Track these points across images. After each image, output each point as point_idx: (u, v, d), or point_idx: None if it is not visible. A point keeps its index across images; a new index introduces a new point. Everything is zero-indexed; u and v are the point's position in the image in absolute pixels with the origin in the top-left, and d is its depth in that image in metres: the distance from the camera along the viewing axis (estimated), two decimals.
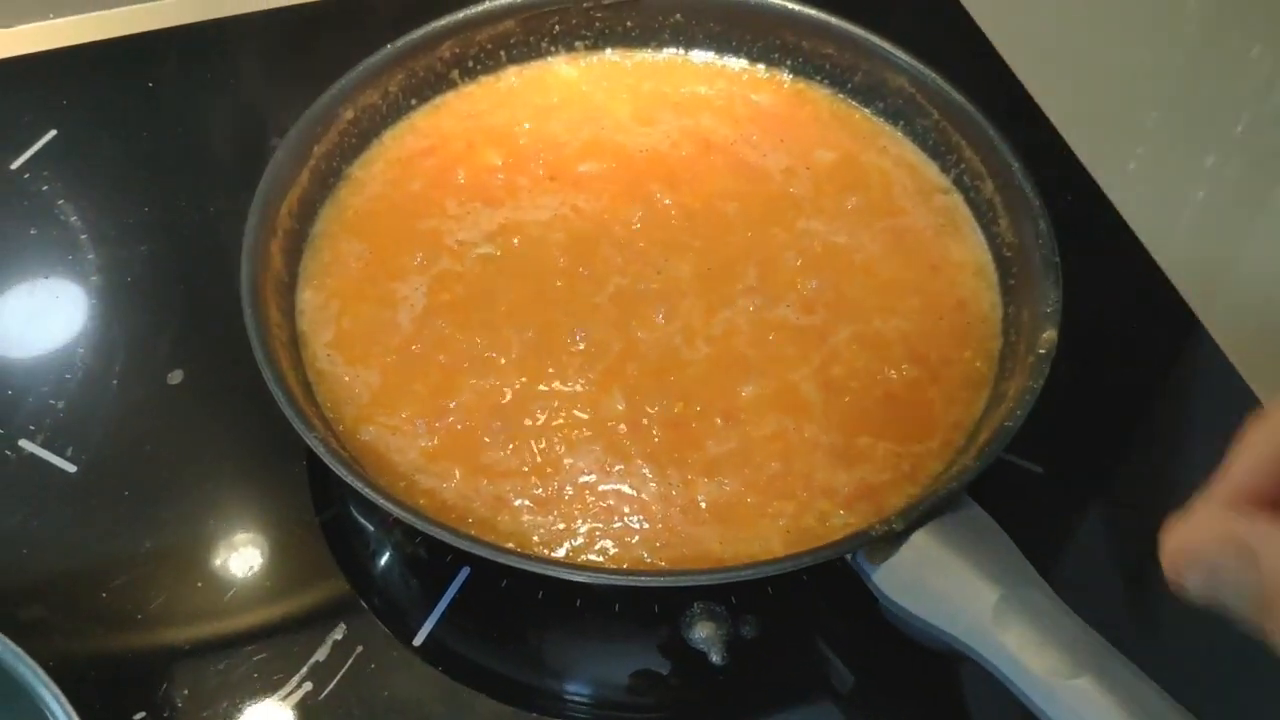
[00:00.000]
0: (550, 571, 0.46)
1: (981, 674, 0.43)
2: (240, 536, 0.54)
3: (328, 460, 0.47)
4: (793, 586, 0.52)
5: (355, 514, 0.54)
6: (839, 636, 0.52)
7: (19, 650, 0.42)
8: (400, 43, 0.61)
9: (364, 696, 0.49)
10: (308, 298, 0.56)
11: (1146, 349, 0.62)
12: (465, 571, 0.52)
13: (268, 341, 0.51)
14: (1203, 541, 0.31)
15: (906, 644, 0.49)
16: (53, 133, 0.68)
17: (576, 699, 0.51)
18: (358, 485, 0.46)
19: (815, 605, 0.52)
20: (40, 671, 0.42)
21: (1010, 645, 0.42)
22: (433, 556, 0.53)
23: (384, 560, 0.54)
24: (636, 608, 0.52)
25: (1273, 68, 0.72)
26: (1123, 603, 0.52)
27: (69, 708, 0.41)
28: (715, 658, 0.50)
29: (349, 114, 0.60)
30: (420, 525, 0.45)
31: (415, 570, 0.53)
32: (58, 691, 0.42)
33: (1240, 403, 0.58)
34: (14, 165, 0.67)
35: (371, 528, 0.54)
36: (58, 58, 0.73)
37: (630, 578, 0.47)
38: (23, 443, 0.56)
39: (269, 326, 0.52)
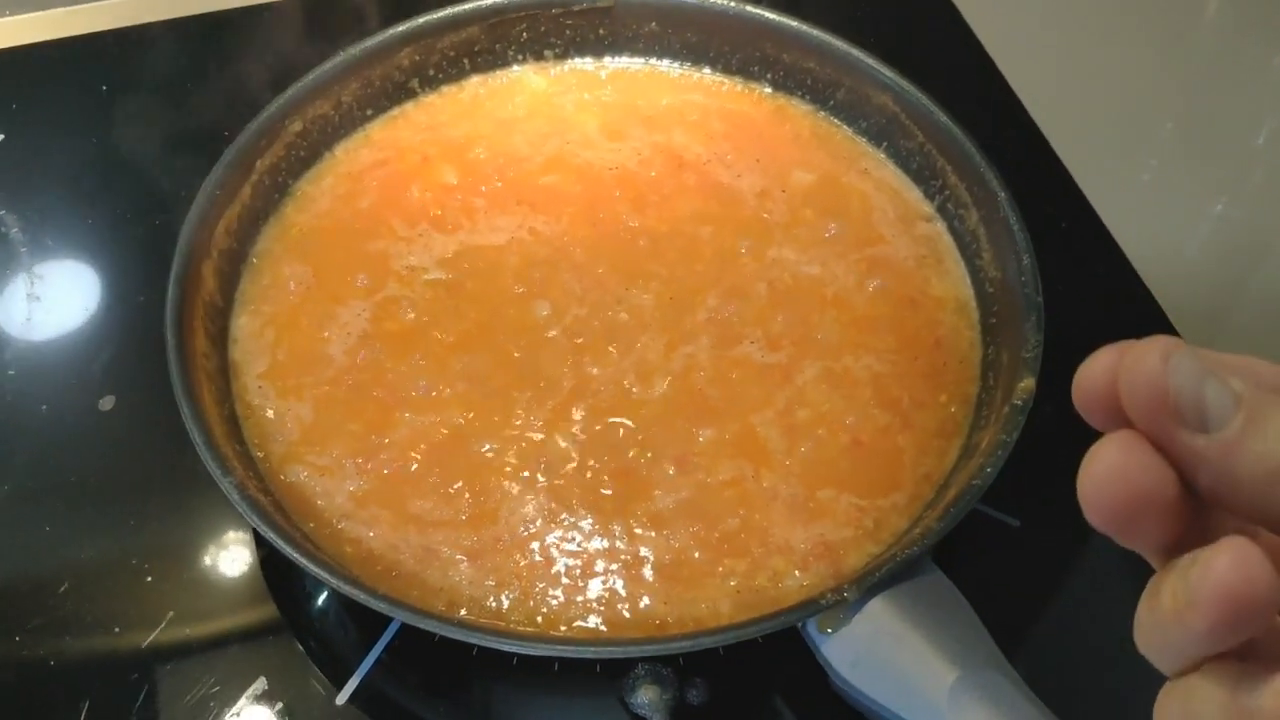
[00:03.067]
0: (472, 639, 0.43)
1: None
2: (150, 584, 0.51)
3: (241, 509, 0.44)
4: (743, 649, 0.48)
5: (256, 579, 0.51)
6: (793, 703, 0.48)
7: None
8: (355, 49, 0.58)
9: None
10: (243, 324, 0.53)
11: None
12: (395, 625, 0.49)
13: (190, 373, 0.48)
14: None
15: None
16: (0, 136, 0.65)
17: None
18: (270, 536, 0.43)
19: (767, 669, 0.49)
20: None
21: None
22: (352, 621, 0.50)
23: (320, 601, 0.51)
24: (577, 669, 0.48)
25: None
26: (1100, 663, 0.48)
27: None
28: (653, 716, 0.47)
29: (296, 126, 0.57)
30: (334, 583, 0.42)
31: (350, 614, 0.50)
32: None
33: None
34: None
35: (272, 592, 0.51)
36: (6, 58, 0.69)
37: (559, 647, 0.44)
38: None
39: (194, 356, 0.49)
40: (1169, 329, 0.58)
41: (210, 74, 0.70)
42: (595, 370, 0.52)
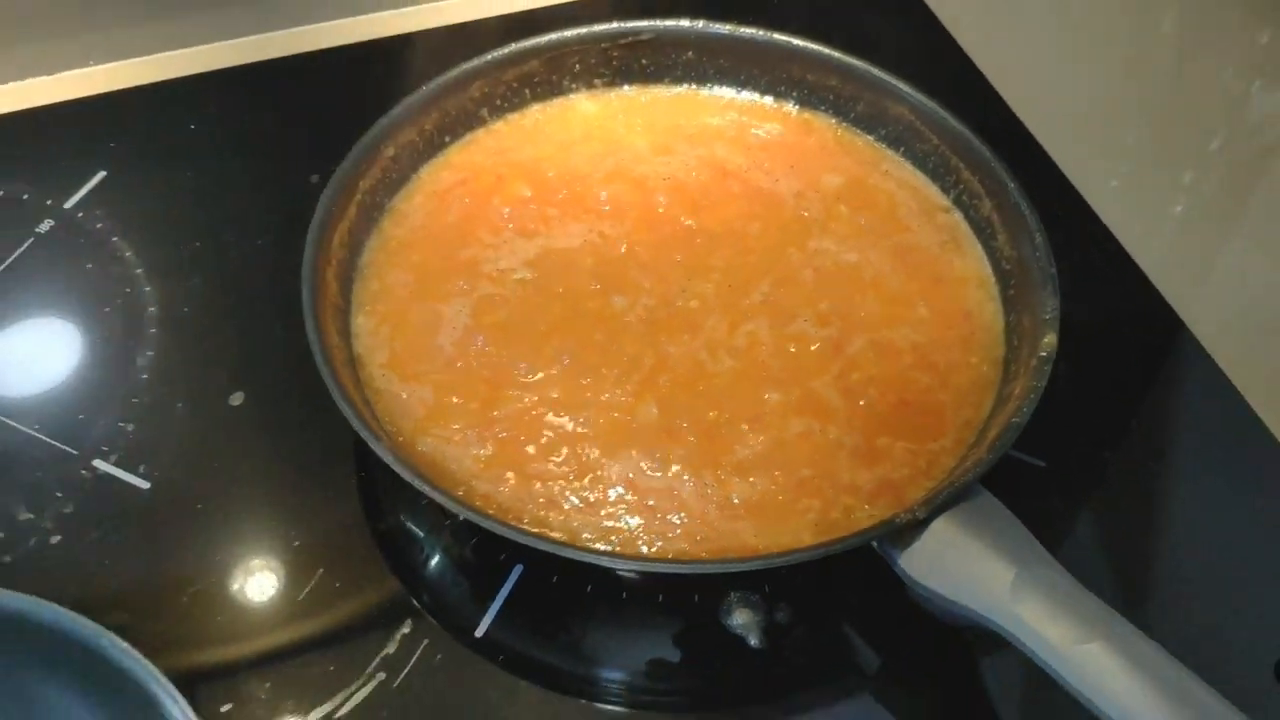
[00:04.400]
0: (603, 562, 0.51)
1: (998, 652, 0.48)
2: (304, 544, 0.58)
3: (397, 468, 0.51)
4: (822, 576, 0.56)
5: (408, 522, 0.59)
6: (866, 622, 0.56)
7: (128, 646, 0.47)
8: (434, 84, 0.66)
9: (432, 686, 0.53)
10: (361, 322, 0.60)
11: (1135, 350, 0.67)
12: (518, 570, 0.57)
13: (330, 361, 0.55)
14: None
15: (928, 627, 0.53)
16: (102, 173, 0.73)
17: (623, 684, 0.55)
18: (426, 489, 0.50)
19: (843, 592, 0.56)
20: (150, 666, 0.46)
21: (1027, 617, 0.46)
22: (483, 558, 0.57)
23: (437, 563, 0.58)
24: (678, 598, 0.56)
25: (1243, 89, 0.77)
26: (1119, 583, 0.56)
27: (178, 696, 0.45)
28: (753, 641, 0.54)
29: (390, 151, 0.64)
30: (490, 525, 0.50)
31: (467, 571, 0.57)
32: (168, 683, 0.46)
33: (1221, 395, 0.64)
34: (67, 205, 0.71)
35: (423, 534, 0.58)
36: (101, 102, 0.77)
37: (675, 566, 0.51)
38: (97, 462, 0.60)
39: (330, 348, 0.56)
40: (1154, 293, 0.67)
41: (289, 112, 0.77)
42: (671, 349, 0.59)
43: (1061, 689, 0.45)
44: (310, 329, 0.55)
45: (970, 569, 0.48)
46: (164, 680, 0.46)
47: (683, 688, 0.55)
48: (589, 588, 0.56)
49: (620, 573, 0.55)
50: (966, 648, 0.55)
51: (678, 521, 0.54)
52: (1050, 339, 0.55)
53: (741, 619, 0.55)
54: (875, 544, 0.51)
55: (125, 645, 0.46)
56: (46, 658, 0.47)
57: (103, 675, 0.46)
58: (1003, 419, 0.54)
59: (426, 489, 0.50)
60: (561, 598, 0.56)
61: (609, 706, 0.54)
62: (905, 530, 0.50)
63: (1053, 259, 0.58)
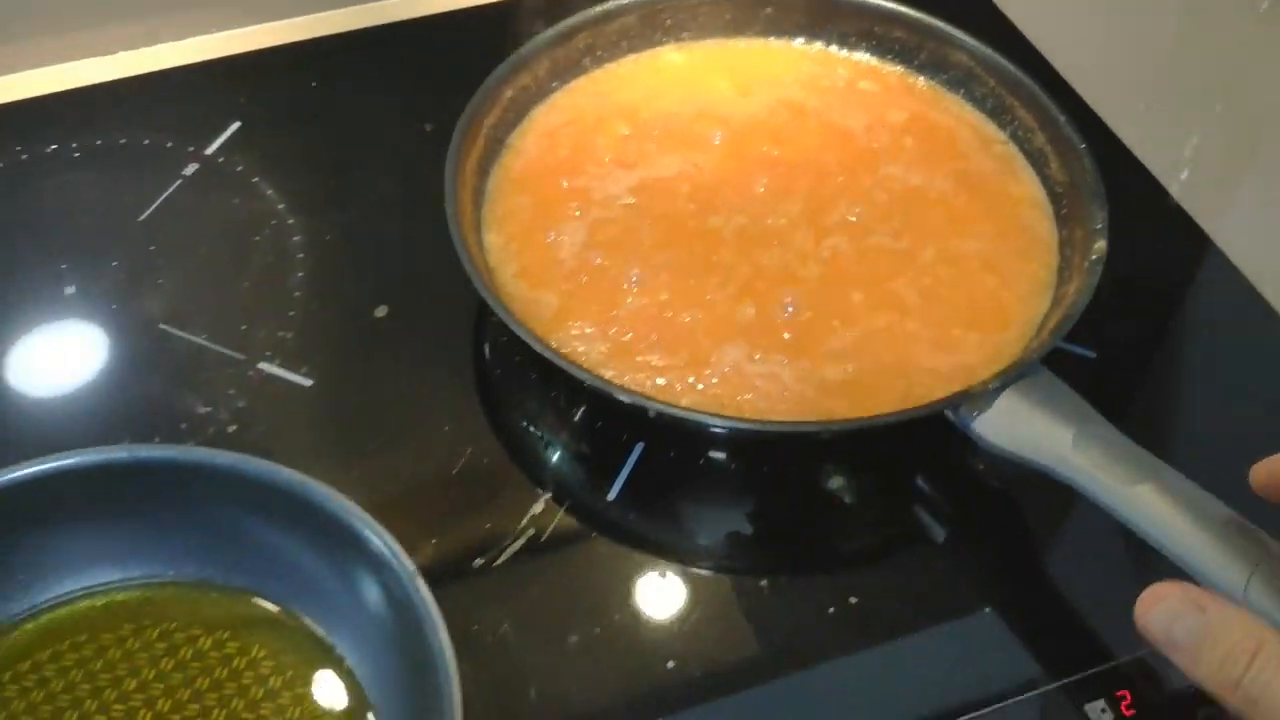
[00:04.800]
0: (726, 424, 0.59)
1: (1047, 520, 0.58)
2: (453, 429, 0.65)
3: (547, 355, 0.59)
4: (900, 451, 0.64)
5: (542, 409, 0.67)
6: (934, 482, 0.64)
7: (331, 490, 0.54)
8: (545, 34, 0.74)
9: (572, 541, 0.62)
10: (491, 239, 0.68)
11: (1167, 265, 0.75)
12: (639, 447, 0.65)
13: (476, 264, 0.63)
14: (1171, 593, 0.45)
15: (990, 499, 0.62)
16: (236, 124, 0.80)
17: (725, 541, 0.63)
18: (563, 364, 0.58)
19: (915, 459, 0.65)
20: (353, 505, 0.54)
21: (1087, 466, 0.54)
22: (610, 438, 0.65)
23: (570, 444, 0.66)
24: (779, 467, 0.64)
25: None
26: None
27: (382, 530, 0.53)
28: (847, 498, 0.63)
29: (508, 93, 0.72)
30: (625, 396, 0.58)
31: (597, 448, 0.65)
32: (371, 519, 0.53)
33: (1246, 302, 0.72)
34: (209, 151, 0.79)
35: (555, 419, 0.66)
36: (232, 63, 0.85)
37: (782, 426, 0.60)
38: (262, 364, 0.68)
39: (471, 249, 0.63)
40: (1183, 215, 0.76)
41: (404, 71, 0.85)
42: (764, 261, 0.67)
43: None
44: (457, 242, 0.63)
45: (1036, 430, 0.56)
46: (367, 517, 0.53)
47: (775, 549, 0.63)
48: (700, 461, 0.64)
49: (733, 433, 0.62)
50: (1019, 517, 0.64)
51: (780, 399, 0.62)
52: (1100, 245, 0.63)
53: (838, 483, 0.63)
54: (950, 412, 0.58)
55: (329, 489, 0.54)
56: (259, 504, 0.54)
57: (310, 514, 0.53)
58: (1060, 312, 0.62)
59: (563, 364, 0.59)
60: (676, 470, 0.64)
61: (716, 548, 0.62)
62: (978, 399, 0.58)
63: (1101, 180, 0.66)
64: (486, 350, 0.69)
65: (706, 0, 0.77)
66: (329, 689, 0.53)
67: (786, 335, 0.64)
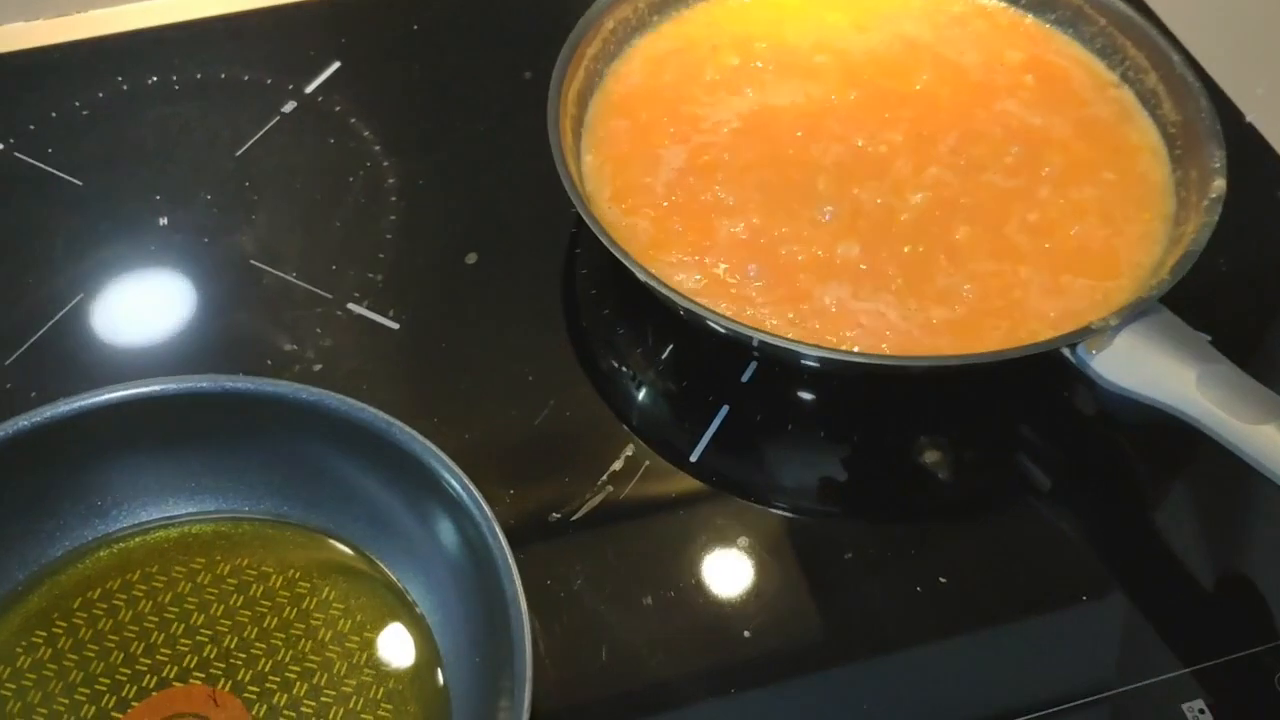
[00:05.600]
0: (831, 356, 0.55)
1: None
2: (536, 380, 0.62)
3: (644, 276, 0.56)
4: (1008, 396, 0.61)
5: (626, 361, 0.64)
6: (1038, 428, 0.61)
7: (413, 432, 0.52)
8: None
9: (651, 499, 0.59)
10: (588, 161, 0.64)
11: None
12: (724, 410, 0.61)
13: (577, 187, 0.59)
14: None
15: (1093, 452, 0.58)
16: (337, 64, 0.78)
17: (816, 512, 0.60)
18: (675, 297, 0.55)
19: (1021, 403, 0.61)
20: (432, 446, 0.51)
21: (1212, 405, 0.50)
22: (696, 398, 0.62)
23: (655, 400, 0.62)
24: (871, 434, 0.61)
25: None
26: None
27: (458, 471, 0.51)
28: (942, 474, 0.59)
29: (609, 24, 0.68)
30: (728, 324, 0.55)
31: (681, 408, 0.62)
32: (449, 461, 0.51)
33: None
34: (308, 90, 0.77)
35: (642, 373, 0.63)
36: (332, 3, 0.82)
37: (887, 359, 0.56)
38: (351, 305, 0.65)
39: (575, 180, 0.60)
40: None
41: (502, 17, 0.82)
42: (871, 194, 0.63)
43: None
44: (560, 166, 0.59)
45: (1158, 368, 0.52)
46: (448, 460, 0.51)
47: (863, 520, 0.59)
48: (788, 425, 0.61)
49: (838, 367, 0.58)
50: (1133, 465, 0.60)
51: (886, 336, 0.58)
52: (1219, 183, 0.58)
53: (931, 455, 0.59)
54: (1069, 352, 0.54)
55: (411, 431, 0.51)
56: (341, 442, 0.52)
57: (390, 456, 0.51)
58: (1178, 251, 0.57)
59: (665, 290, 0.55)
60: (762, 434, 0.60)
61: (799, 515, 0.59)
62: (1099, 336, 0.54)
63: (1217, 117, 0.61)
64: (576, 298, 0.65)
65: None
66: (398, 637, 0.51)
67: (891, 273, 0.60)
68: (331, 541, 0.53)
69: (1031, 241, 0.61)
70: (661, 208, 0.62)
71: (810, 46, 0.70)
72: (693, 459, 0.59)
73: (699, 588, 0.55)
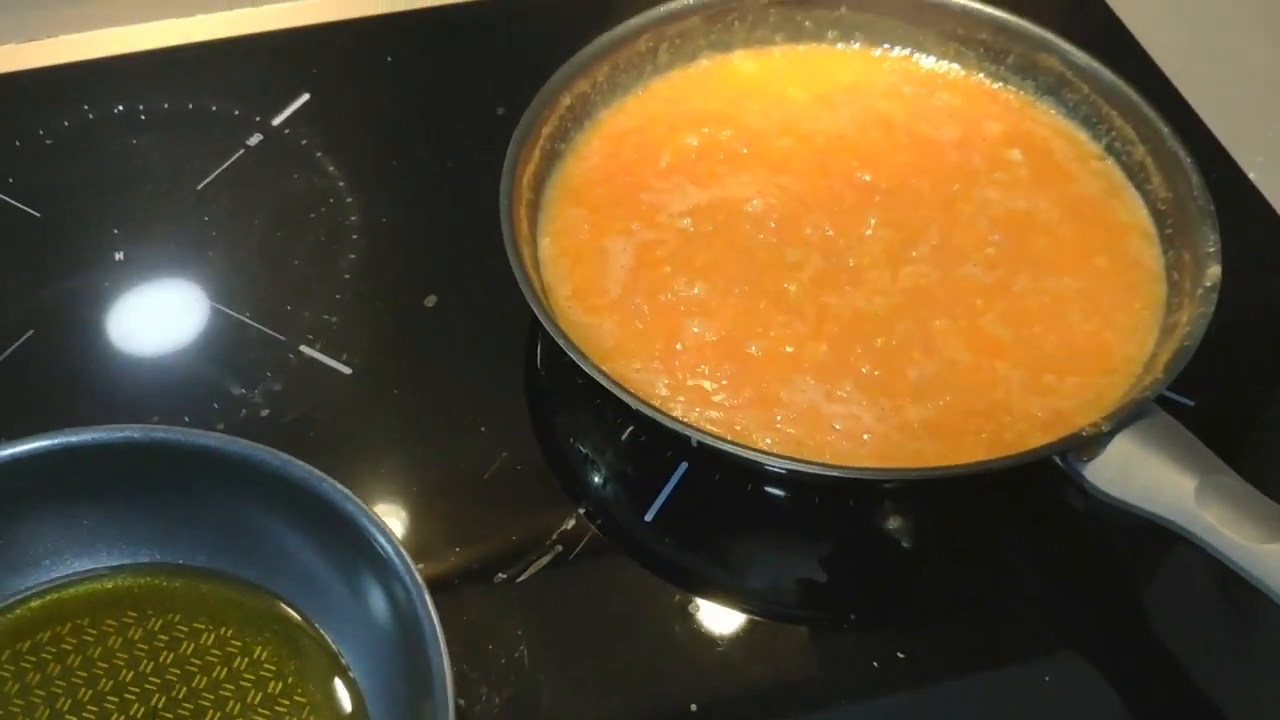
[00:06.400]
0: (799, 468, 0.51)
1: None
2: (489, 430, 0.59)
3: (604, 383, 0.52)
4: (983, 496, 0.58)
5: (582, 419, 0.61)
6: (1028, 546, 0.58)
7: (339, 486, 0.49)
8: (605, 37, 0.66)
9: (603, 560, 0.56)
10: (545, 246, 0.60)
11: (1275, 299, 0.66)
12: (683, 467, 0.58)
13: (530, 283, 0.56)
14: None
15: (1083, 553, 0.56)
16: (306, 96, 0.74)
17: (771, 582, 0.57)
18: (615, 389, 0.52)
19: (1004, 515, 0.58)
20: (361, 503, 0.48)
21: (1212, 521, 0.46)
22: (652, 456, 0.59)
23: (610, 459, 0.59)
24: (839, 505, 0.58)
25: None
26: None
27: (387, 530, 0.48)
28: (905, 543, 0.56)
29: (567, 100, 0.64)
30: (680, 428, 0.51)
31: (638, 465, 0.59)
32: (378, 518, 0.48)
33: None
34: (275, 122, 0.73)
35: (598, 431, 0.60)
36: (305, 34, 0.79)
37: (872, 473, 0.53)
38: (303, 348, 0.62)
39: (526, 271, 0.56)
40: None
41: (476, 53, 0.79)
42: (841, 296, 0.60)
43: None
44: (511, 254, 0.56)
45: (1154, 478, 0.49)
46: (382, 522, 0.48)
47: (823, 592, 0.56)
48: (749, 487, 0.58)
49: (810, 480, 0.55)
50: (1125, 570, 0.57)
51: (863, 440, 0.54)
52: (1214, 270, 0.55)
53: (895, 524, 0.56)
54: (1059, 459, 0.51)
55: (345, 490, 0.49)
56: (273, 497, 0.49)
57: (323, 513, 0.48)
58: (1172, 345, 0.54)
59: (615, 389, 0.52)
60: (720, 496, 0.57)
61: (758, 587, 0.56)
62: (1089, 443, 0.50)
63: (1210, 197, 0.58)
64: (538, 356, 0.62)
65: (775, 1, 0.69)
66: (329, 701, 0.49)
67: (864, 369, 0.57)
68: (267, 597, 0.51)
69: (1011, 334, 0.58)
70: (622, 308, 0.59)
71: (775, 129, 0.66)
72: (648, 518, 0.56)
73: (647, 656, 0.52)
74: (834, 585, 0.56)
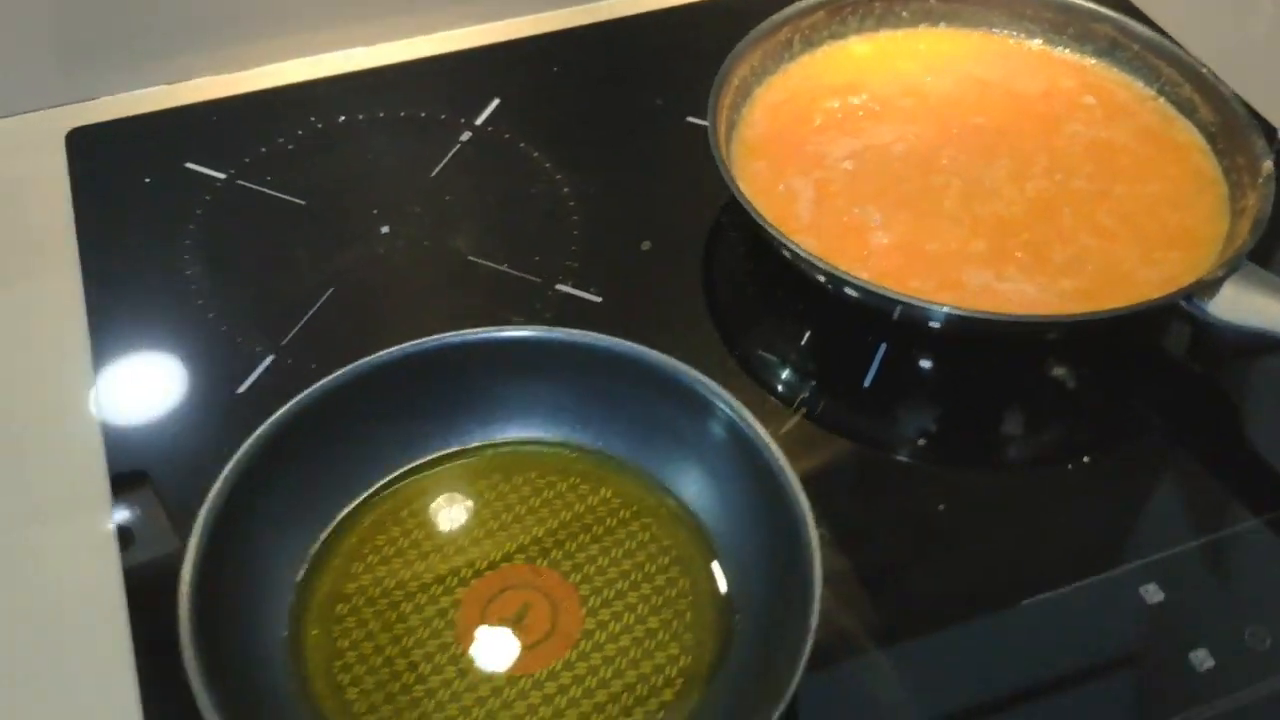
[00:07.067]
0: (993, 317, 0.66)
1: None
2: (715, 339, 0.74)
3: (806, 255, 0.67)
4: (1125, 346, 0.73)
5: (801, 309, 0.75)
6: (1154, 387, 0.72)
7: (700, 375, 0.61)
8: (754, 31, 0.81)
9: (834, 421, 0.70)
10: (740, 189, 0.74)
11: None
12: (883, 347, 0.73)
13: (748, 200, 0.71)
14: None
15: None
16: (497, 100, 0.88)
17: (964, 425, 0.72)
18: (854, 279, 0.67)
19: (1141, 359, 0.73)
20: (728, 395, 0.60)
21: None
22: (853, 347, 0.73)
23: (815, 354, 0.74)
24: (1008, 362, 0.73)
25: None
26: None
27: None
28: (1070, 384, 0.72)
29: (735, 81, 0.79)
30: (918, 301, 0.66)
31: (843, 352, 0.74)
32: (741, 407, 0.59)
33: None
34: (478, 122, 0.87)
35: (793, 345, 0.75)
36: (490, 51, 0.94)
37: (1056, 317, 0.69)
38: (558, 286, 0.76)
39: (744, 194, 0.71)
40: None
41: (640, 57, 0.94)
42: (984, 203, 0.76)
43: None
44: (732, 185, 0.72)
45: (1260, 304, 0.65)
46: (716, 386, 0.60)
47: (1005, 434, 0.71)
48: (939, 355, 0.73)
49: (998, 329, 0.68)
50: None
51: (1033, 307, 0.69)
52: (1267, 164, 0.70)
53: (1060, 371, 0.72)
54: (1186, 302, 0.66)
55: (686, 365, 0.61)
56: (656, 387, 0.61)
57: (673, 388, 0.61)
58: (1247, 220, 0.70)
59: (835, 270, 0.67)
60: (917, 368, 0.72)
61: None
62: (1208, 286, 0.65)
63: (1252, 113, 0.75)
64: (729, 276, 0.78)
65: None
66: (707, 579, 0.59)
67: (1019, 255, 0.72)
68: (648, 480, 0.62)
69: (1121, 224, 0.73)
70: (815, 229, 0.73)
71: (897, 93, 0.82)
72: (865, 385, 0.71)
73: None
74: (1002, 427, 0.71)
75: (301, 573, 0.57)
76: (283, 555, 0.56)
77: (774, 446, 0.55)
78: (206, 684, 0.48)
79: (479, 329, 0.62)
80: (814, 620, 0.49)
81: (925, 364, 0.72)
